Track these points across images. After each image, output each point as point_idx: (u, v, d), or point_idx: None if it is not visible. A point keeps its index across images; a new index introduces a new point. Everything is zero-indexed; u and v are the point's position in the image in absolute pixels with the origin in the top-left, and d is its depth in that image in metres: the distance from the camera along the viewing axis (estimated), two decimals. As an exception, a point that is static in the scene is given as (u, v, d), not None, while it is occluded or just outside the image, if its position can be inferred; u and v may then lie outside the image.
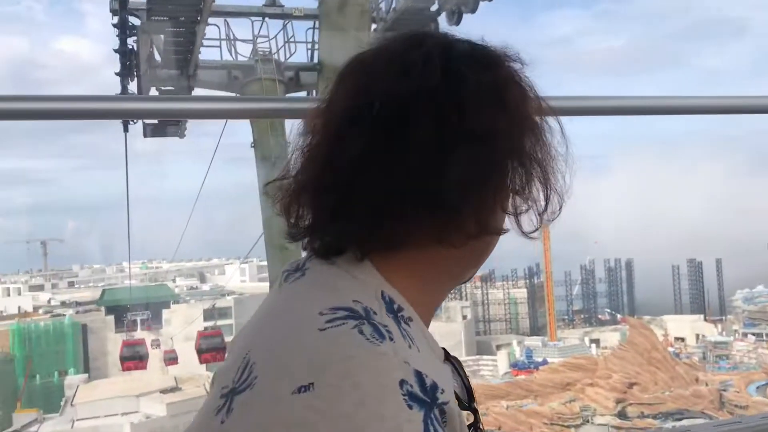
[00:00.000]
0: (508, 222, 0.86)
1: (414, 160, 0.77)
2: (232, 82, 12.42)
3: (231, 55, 12.99)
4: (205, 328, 52.07)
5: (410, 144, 0.77)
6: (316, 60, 12.41)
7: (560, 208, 0.86)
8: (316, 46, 12.37)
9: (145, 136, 16.32)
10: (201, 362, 47.05)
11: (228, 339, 51.22)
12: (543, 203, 0.85)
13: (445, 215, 0.79)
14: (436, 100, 0.78)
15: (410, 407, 0.67)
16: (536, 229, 0.86)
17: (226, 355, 0.88)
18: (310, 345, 0.72)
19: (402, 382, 0.68)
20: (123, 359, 47.16)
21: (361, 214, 0.79)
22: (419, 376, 0.70)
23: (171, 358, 52.71)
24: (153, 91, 13.80)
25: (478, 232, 0.82)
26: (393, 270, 0.81)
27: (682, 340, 71.28)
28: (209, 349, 44.70)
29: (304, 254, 0.88)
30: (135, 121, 13.26)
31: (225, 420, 0.72)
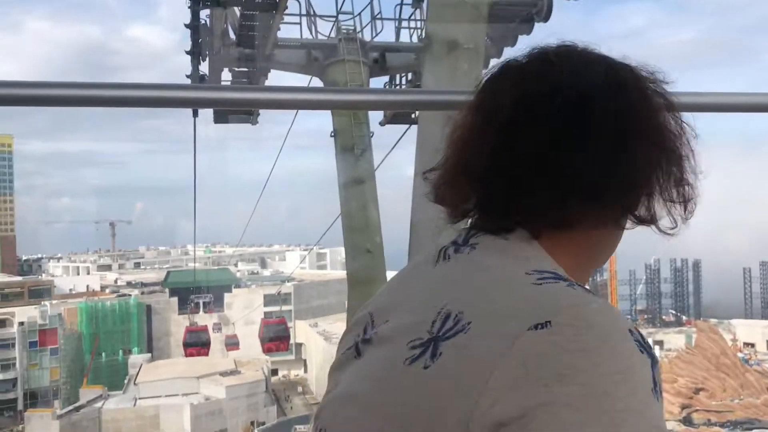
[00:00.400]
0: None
1: (595, 153, 0.84)
2: (312, 63, 11.54)
3: (311, 33, 12.00)
4: (266, 314, 52.17)
5: (591, 138, 0.84)
6: (406, 39, 11.56)
7: (694, 209, 0.92)
8: (404, 24, 11.68)
9: (215, 122, 15.60)
10: (264, 351, 46.66)
11: (290, 325, 51.27)
12: (684, 201, 0.91)
13: (617, 201, 0.87)
14: (613, 101, 0.86)
15: (642, 352, 0.71)
16: (676, 226, 0.92)
17: (372, 321, 0.89)
18: (532, 294, 0.76)
19: (630, 331, 0.72)
20: (186, 345, 47.51)
21: (541, 197, 0.85)
22: (638, 331, 0.73)
23: (232, 344, 53.12)
24: (225, 73, 13.29)
25: (646, 218, 0.90)
26: (557, 250, 0.86)
27: (752, 345, 68.51)
28: (273, 338, 44.35)
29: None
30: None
31: (430, 365, 0.74)
